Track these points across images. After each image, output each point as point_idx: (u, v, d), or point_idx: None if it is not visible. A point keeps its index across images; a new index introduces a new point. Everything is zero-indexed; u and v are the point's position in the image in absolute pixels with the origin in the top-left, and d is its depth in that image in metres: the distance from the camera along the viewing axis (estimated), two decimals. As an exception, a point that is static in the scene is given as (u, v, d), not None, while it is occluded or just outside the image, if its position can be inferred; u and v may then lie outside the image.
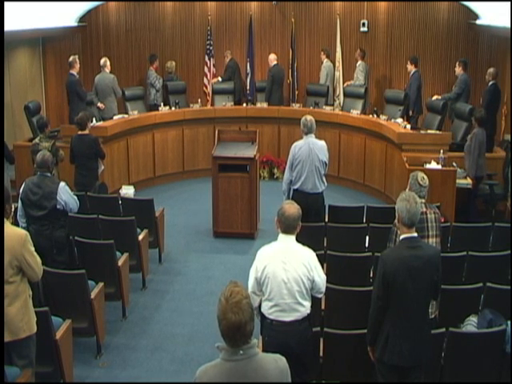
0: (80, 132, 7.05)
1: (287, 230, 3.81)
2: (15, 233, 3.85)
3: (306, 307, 3.75)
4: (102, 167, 7.32)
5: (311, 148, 6.30)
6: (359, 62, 10.51)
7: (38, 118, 7.92)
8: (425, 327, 3.67)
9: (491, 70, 8.77)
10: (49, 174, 5.24)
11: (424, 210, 4.30)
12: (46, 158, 5.23)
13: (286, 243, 3.82)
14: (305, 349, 3.74)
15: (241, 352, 2.50)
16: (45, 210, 5.13)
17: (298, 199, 6.12)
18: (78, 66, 9.03)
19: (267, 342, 3.76)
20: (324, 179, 6.40)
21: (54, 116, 10.45)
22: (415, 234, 3.68)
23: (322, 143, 6.40)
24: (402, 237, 3.70)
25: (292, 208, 3.82)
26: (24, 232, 3.92)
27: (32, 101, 9.24)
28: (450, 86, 9.67)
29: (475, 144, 7.28)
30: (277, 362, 2.61)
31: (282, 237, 3.84)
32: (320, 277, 3.80)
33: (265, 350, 3.56)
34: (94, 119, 8.68)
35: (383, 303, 3.58)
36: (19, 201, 5.24)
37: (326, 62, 10.80)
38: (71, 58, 9.05)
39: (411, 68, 9.83)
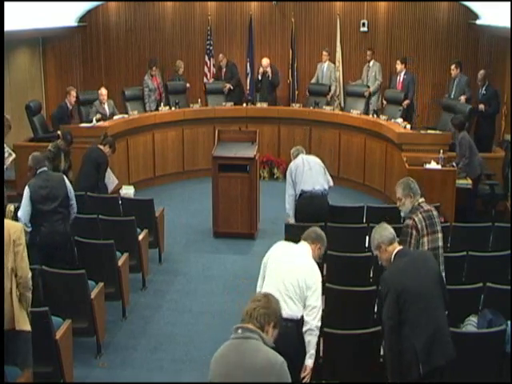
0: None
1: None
2: (14, 223, 4.02)
3: (292, 310, 3.74)
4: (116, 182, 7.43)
5: (304, 158, 6.47)
6: (372, 62, 10.47)
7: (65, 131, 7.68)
8: (445, 325, 3.62)
9: (483, 71, 8.86)
10: (46, 169, 5.32)
11: (428, 207, 4.40)
12: (37, 156, 5.31)
13: (303, 251, 3.99)
14: (289, 350, 3.71)
15: (239, 331, 2.70)
16: (58, 200, 5.23)
17: (304, 205, 6.17)
18: (72, 96, 9.05)
19: None
20: (329, 178, 6.45)
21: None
22: (400, 246, 3.85)
23: (314, 157, 6.60)
24: (394, 252, 3.76)
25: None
26: (22, 225, 4.09)
27: (33, 100, 9.25)
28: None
29: (465, 147, 7.38)
30: (269, 355, 2.66)
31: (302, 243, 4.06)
32: (316, 301, 3.78)
33: None
34: (94, 119, 8.71)
35: (394, 322, 3.54)
36: (27, 203, 5.17)
37: (329, 62, 10.76)
38: (68, 88, 9.19)
39: (401, 67, 9.81)
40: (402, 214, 4.48)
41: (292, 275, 3.79)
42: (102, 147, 7.08)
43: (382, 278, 3.74)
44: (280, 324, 2.86)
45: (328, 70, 10.72)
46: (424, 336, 3.49)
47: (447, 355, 3.55)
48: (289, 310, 3.73)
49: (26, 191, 5.16)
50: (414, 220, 4.27)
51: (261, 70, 10.37)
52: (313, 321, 3.74)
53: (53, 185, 5.25)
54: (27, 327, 3.93)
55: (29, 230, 5.12)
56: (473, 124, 8.61)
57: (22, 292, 3.92)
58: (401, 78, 9.86)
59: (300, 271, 3.81)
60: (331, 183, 6.49)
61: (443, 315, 3.63)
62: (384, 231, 3.82)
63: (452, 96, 9.25)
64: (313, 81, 10.79)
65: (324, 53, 10.69)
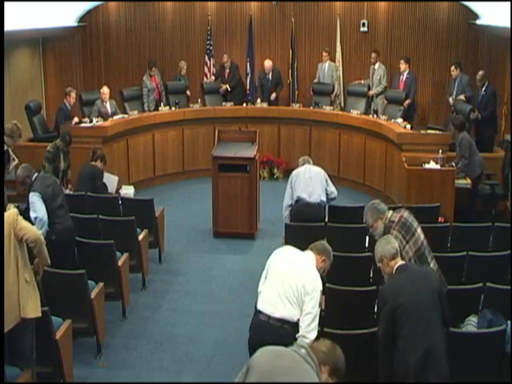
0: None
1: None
2: (7, 213, 4.08)
3: (289, 311, 3.73)
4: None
5: (307, 168, 6.42)
6: (378, 64, 10.39)
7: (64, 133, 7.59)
8: (442, 342, 3.57)
9: (481, 72, 8.86)
10: (36, 173, 5.41)
11: (397, 216, 4.41)
12: (26, 166, 5.42)
13: (307, 259, 3.96)
14: None
15: (303, 351, 2.58)
16: (60, 195, 5.49)
17: (300, 212, 6.15)
18: (72, 97, 9.07)
19: (249, 337, 3.81)
20: (332, 189, 6.37)
21: (53, 116, 10.44)
22: (403, 261, 3.84)
23: (320, 168, 6.50)
24: (395, 267, 3.76)
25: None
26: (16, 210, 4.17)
27: (33, 100, 9.25)
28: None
29: (465, 148, 7.38)
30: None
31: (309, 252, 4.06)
32: (313, 308, 3.77)
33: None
34: (94, 119, 8.71)
35: (389, 333, 3.56)
36: (43, 205, 5.22)
37: (329, 62, 10.75)
38: (68, 89, 9.20)
39: (405, 67, 9.81)
40: (377, 238, 4.40)
41: (292, 278, 3.79)
42: (94, 163, 7.13)
43: (380, 291, 3.75)
44: (337, 379, 2.86)
45: (329, 70, 10.70)
46: (418, 350, 3.47)
47: (440, 373, 3.50)
48: (285, 310, 3.74)
49: (35, 195, 5.19)
50: None
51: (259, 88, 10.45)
52: (306, 327, 3.71)
53: (54, 183, 5.49)
54: (34, 314, 3.96)
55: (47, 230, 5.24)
56: (473, 124, 8.60)
57: (39, 250, 4.10)
58: (403, 77, 9.85)
59: (300, 276, 3.81)
60: (334, 195, 6.38)
61: (440, 332, 3.59)
62: (387, 245, 3.80)
63: (454, 96, 9.25)
64: (315, 81, 10.79)
65: (324, 53, 10.68)
